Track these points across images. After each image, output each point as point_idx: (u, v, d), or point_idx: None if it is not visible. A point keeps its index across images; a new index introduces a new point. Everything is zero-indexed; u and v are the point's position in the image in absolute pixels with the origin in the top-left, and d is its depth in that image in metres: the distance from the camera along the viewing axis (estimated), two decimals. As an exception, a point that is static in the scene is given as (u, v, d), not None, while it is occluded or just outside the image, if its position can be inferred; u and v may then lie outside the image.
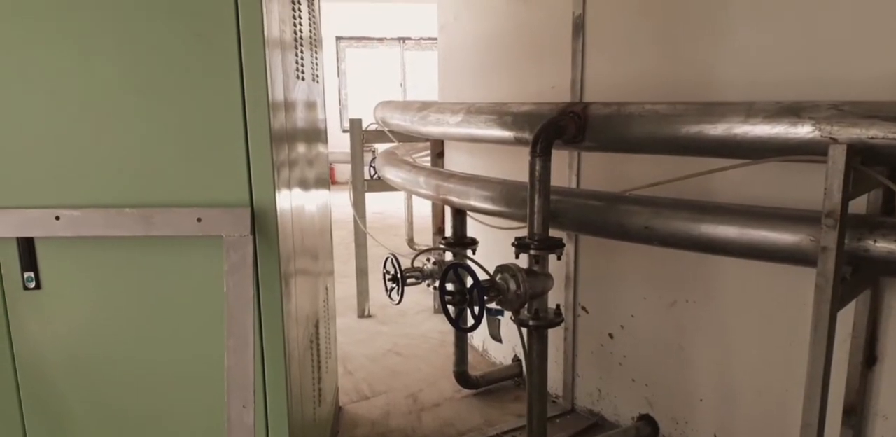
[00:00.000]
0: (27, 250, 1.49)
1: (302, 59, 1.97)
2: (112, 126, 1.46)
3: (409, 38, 11.04)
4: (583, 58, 2.63)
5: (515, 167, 2.66)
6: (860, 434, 1.91)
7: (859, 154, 1.52)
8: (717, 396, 2.38)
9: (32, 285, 1.50)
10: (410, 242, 5.94)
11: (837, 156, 1.47)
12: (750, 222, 1.81)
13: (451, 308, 2.31)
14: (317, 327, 2.20)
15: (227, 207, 1.48)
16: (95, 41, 1.42)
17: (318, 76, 2.38)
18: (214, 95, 1.46)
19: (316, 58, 2.34)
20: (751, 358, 2.24)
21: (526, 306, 2.12)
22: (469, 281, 2.13)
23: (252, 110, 1.46)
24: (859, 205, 1.74)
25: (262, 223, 1.50)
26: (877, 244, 1.58)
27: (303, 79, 1.98)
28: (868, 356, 1.87)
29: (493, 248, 2.93)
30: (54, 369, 1.55)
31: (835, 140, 1.57)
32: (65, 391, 1.56)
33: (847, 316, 1.82)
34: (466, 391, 3.16)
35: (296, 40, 1.88)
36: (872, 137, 1.53)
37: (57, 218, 1.45)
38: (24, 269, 1.50)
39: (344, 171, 8.85)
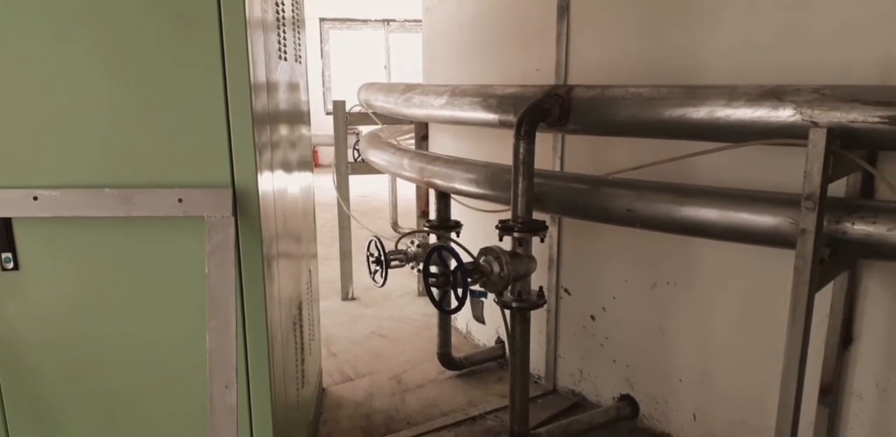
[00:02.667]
0: (5, 230, 1.47)
1: (284, 39, 1.94)
2: (91, 106, 1.43)
3: (394, 20, 10.93)
4: (567, 41, 2.62)
5: (500, 150, 2.66)
6: (836, 413, 1.96)
7: (839, 138, 1.53)
8: (696, 376, 2.42)
9: (10, 265, 1.49)
10: (395, 225, 5.94)
11: (817, 139, 1.49)
12: (731, 204, 1.83)
13: (434, 290, 2.32)
14: (300, 309, 2.20)
15: (208, 188, 1.46)
16: (74, 20, 1.39)
17: (300, 57, 2.35)
18: (195, 75, 1.43)
19: (299, 38, 2.31)
20: (730, 339, 2.28)
21: (509, 288, 2.14)
22: (453, 263, 2.13)
23: (233, 91, 1.44)
24: (838, 188, 1.76)
25: (243, 205, 1.49)
26: (855, 227, 1.60)
27: (285, 59, 1.96)
28: (844, 337, 1.90)
29: (478, 231, 2.94)
30: (33, 350, 1.54)
31: (815, 124, 1.58)
32: (44, 373, 1.55)
33: (825, 297, 1.85)
34: (450, 373, 3.19)
35: (278, 20, 1.85)
36: (853, 121, 1.54)
37: (35, 198, 1.43)
38: (1, 249, 1.47)
39: (328, 153, 8.80)
